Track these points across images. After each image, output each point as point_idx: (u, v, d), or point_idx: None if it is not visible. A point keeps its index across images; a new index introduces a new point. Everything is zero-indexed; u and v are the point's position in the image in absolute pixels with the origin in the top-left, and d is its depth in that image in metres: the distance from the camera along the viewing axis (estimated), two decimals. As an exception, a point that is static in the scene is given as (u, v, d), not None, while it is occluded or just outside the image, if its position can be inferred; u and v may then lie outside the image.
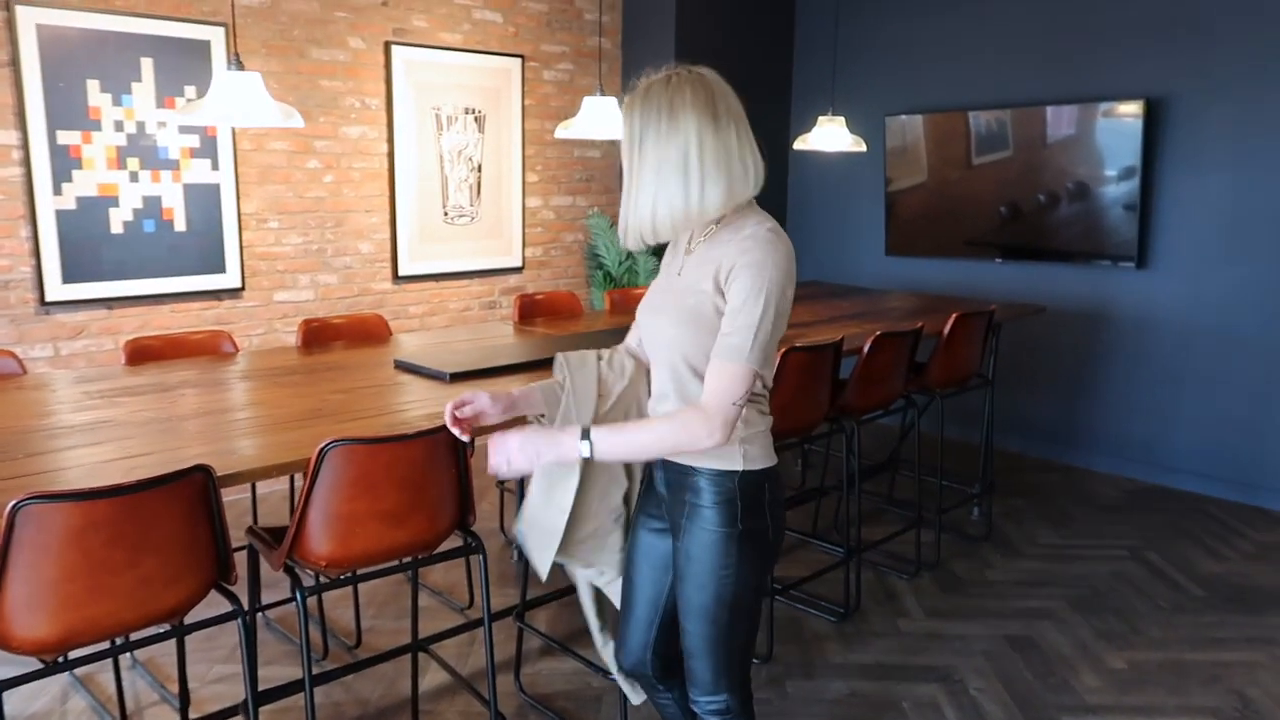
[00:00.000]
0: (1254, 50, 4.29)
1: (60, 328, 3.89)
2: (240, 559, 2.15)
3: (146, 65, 3.94)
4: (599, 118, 3.56)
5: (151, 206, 4.04)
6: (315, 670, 2.54)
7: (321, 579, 2.59)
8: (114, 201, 3.94)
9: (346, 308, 4.67)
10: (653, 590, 1.90)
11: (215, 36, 4.08)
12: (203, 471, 1.85)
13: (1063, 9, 4.86)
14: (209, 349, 3.19)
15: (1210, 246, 4.53)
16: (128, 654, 2.93)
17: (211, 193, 4.20)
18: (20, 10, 3.61)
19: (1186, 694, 2.89)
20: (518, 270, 5.37)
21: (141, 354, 3.05)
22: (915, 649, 3.16)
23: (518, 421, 1.87)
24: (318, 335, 3.38)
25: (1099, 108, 4.70)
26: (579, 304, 4.17)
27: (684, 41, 5.32)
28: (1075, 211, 4.87)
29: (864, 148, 4.66)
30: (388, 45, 4.66)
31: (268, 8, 4.24)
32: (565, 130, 3.64)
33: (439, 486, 2.21)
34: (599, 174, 5.68)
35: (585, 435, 1.67)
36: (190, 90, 4.05)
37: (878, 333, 3.26)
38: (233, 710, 2.53)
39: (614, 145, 5.69)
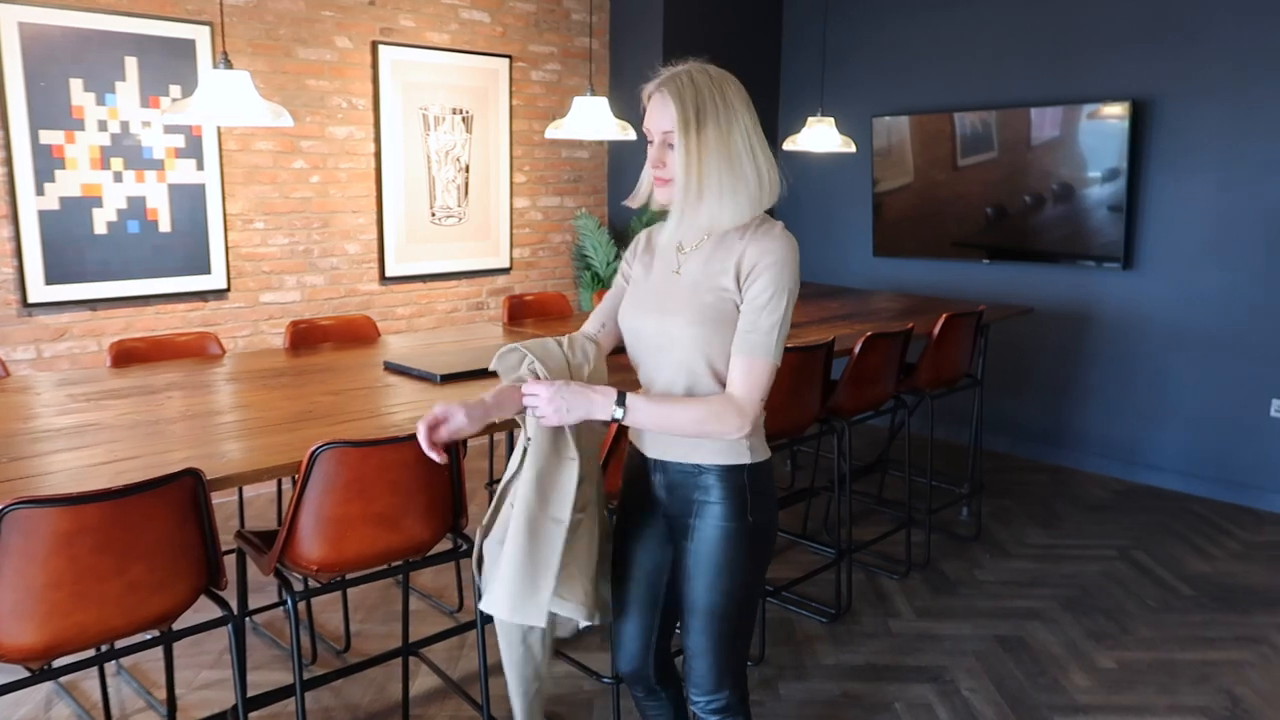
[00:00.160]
0: (1239, 52, 4.32)
1: (43, 329, 3.84)
2: (228, 563, 2.12)
3: (130, 64, 3.90)
4: (589, 118, 3.54)
5: (136, 207, 3.99)
6: (304, 675, 2.51)
7: (311, 583, 2.56)
8: (98, 202, 3.89)
9: (333, 309, 4.64)
10: (649, 594, 1.89)
11: (200, 35, 4.04)
12: (192, 475, 1.83)
13: (1048, 11, 4.88)
14: (195, 351, 3.16)
15: (1196, 247, 4.56)
16: (113, 661, 2.89)
17: (196, 193, 4.15)
18: (2, 8, 3.56)
19: (1176, 693, 2.90)
20: (505, 271, 5.35)
21: (127, 356, 3.02)
22: (906, 649, 3.16)
23: (510, 424, 1.85)
24: (306, 337, 3.35)
25: (1084, 109, 4.72)
26: (569, 305, 4.15)
27: (672, 42, 5.31)
28: (1061, 213, 4.89)
29: (853, 148, 4.67)
30: (375, 45, 4.63)
31: (254, 7, 4.20)
32: (555, 131, 3.61)
33: (431, 489, 2.19)
34: (587, 175, 5.66)
35: (620, 401, 1.63)
36: (175, 89, 4.01)
37: (869, 333, 3.26)
38: (220, 717, 2.50)
39: (602, 146, 5.68)
